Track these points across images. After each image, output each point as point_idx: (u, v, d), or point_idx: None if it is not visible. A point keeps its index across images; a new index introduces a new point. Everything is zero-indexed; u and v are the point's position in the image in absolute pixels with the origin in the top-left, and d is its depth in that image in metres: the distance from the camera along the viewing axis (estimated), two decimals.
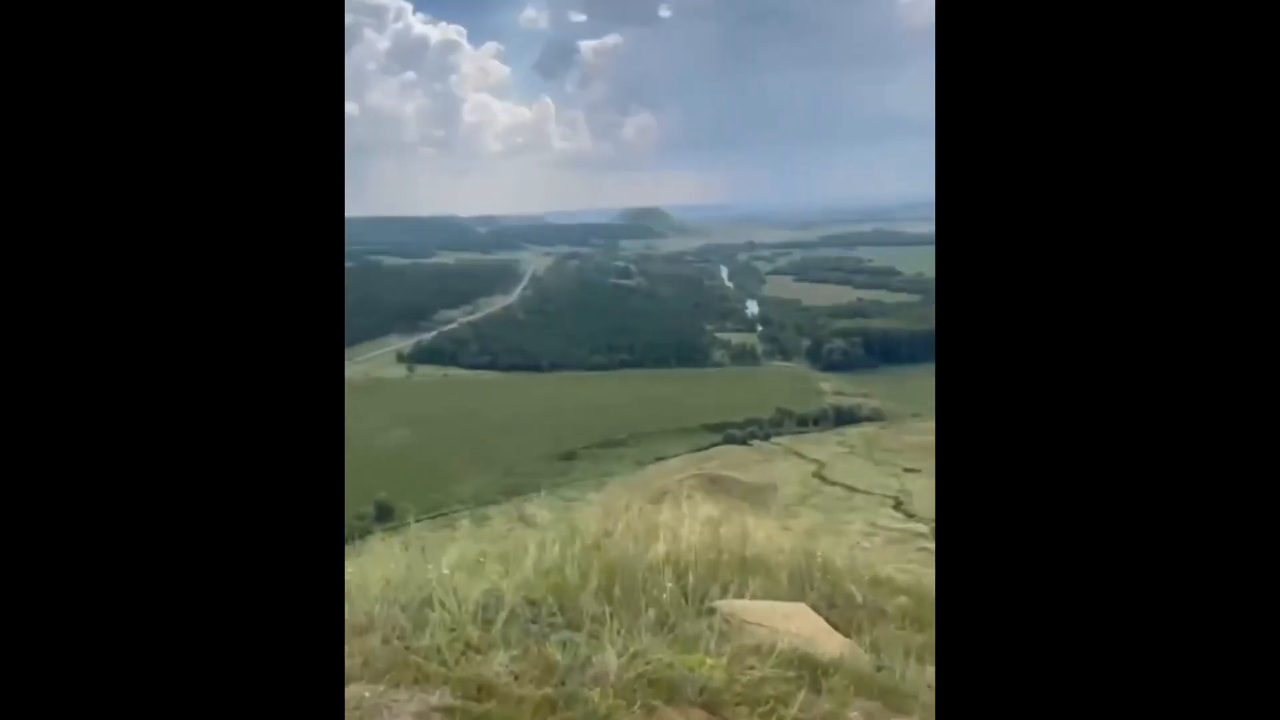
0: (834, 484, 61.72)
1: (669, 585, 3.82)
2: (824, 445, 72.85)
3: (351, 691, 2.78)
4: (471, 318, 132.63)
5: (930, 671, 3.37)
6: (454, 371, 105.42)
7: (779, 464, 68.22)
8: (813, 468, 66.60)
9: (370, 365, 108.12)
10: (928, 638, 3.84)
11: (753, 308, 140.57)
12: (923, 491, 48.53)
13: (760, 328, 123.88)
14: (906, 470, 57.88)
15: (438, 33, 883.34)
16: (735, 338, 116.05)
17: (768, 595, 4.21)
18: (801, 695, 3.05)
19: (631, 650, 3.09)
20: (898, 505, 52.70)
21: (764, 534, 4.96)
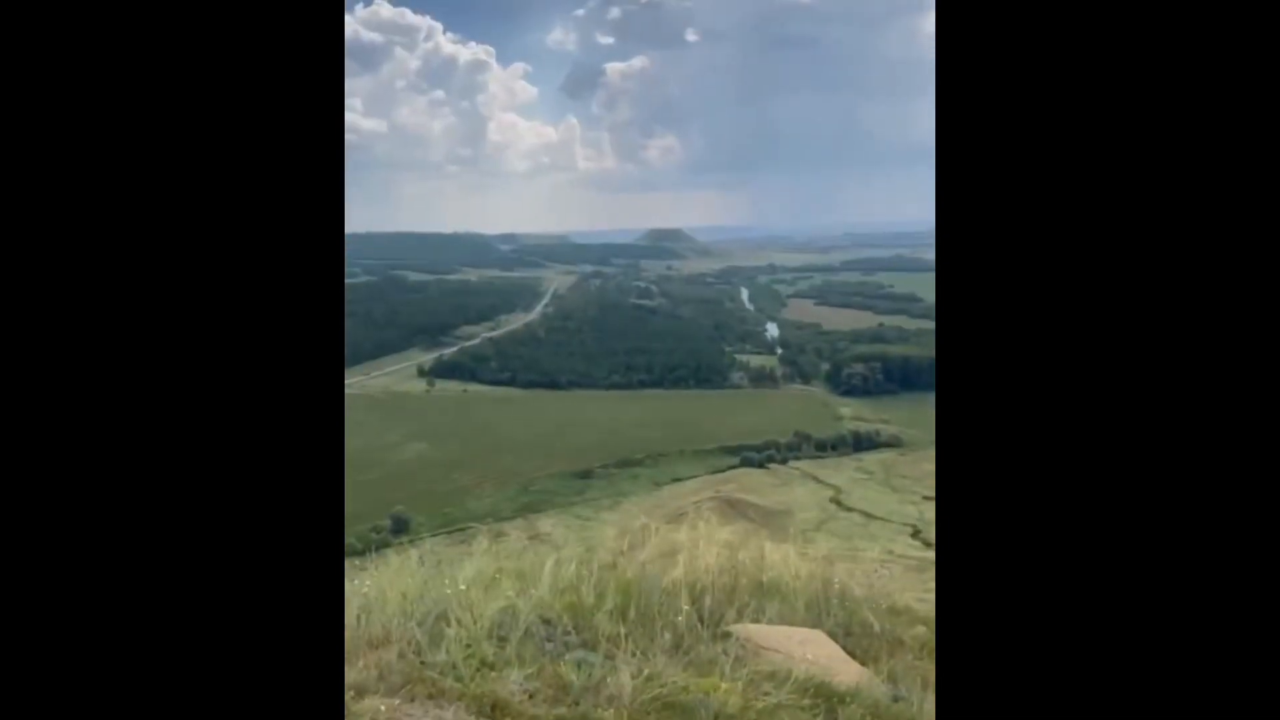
0: (851, 510, 61.17)
1: (685, 608, 3.81)
2: (842, 470, 72.33)
3: (366, 704, 2.79)
4: (493, 334, 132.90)
5: None
6: (474, 387, 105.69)
7: (796, 488, 67.76)
8: (830, 493, 66.08)
9: (391, 379, 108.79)
10: None
11: (773, 330, 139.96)
12: None
13: (780, 351, 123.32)
14: (925, 498, 57.27)
15: (467, 53, 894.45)
16: (754, 360, 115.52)
17: (784, 621, 4.18)
18: None
19: (646, 672, 3.08)
20: (916, 533, 52.12)
21: (781, 559, 4.93)
